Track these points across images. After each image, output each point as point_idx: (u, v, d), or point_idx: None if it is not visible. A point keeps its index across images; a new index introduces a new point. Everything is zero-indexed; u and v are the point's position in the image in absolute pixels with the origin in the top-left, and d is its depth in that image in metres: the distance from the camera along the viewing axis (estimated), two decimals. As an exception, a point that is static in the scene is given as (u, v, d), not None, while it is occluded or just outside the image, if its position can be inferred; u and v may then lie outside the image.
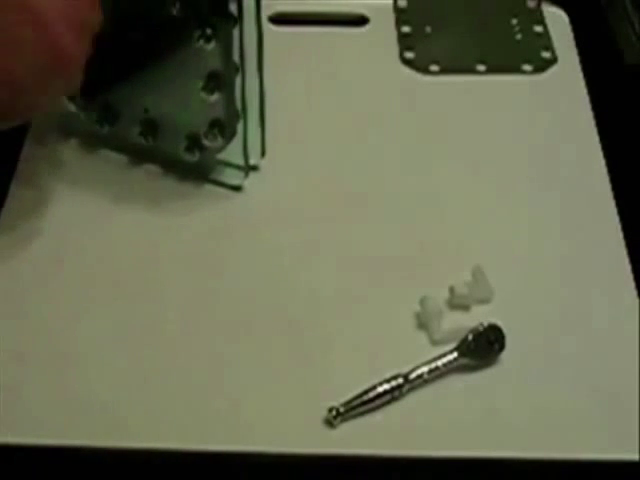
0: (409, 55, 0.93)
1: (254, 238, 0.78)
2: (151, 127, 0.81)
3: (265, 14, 0.76)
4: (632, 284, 0.75)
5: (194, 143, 0.80)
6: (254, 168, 0.82)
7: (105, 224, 0.78)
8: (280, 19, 0.94)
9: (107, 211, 0.79)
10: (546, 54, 0.93)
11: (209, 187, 0.81)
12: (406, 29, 0.96)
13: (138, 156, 0.82)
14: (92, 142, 0.83)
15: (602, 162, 0.84)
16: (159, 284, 0.75)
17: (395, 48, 0.94)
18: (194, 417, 0.67)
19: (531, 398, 0.69)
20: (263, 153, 0.82)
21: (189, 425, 0.67)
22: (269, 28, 0.91)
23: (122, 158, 0.83)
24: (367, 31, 0.96)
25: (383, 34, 0.95)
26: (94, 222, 0.78)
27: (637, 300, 0.74)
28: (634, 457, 0.65)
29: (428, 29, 0.96)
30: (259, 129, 0.80)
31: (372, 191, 0.81)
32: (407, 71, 0.92)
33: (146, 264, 0.76)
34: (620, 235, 0.78)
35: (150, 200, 0.80)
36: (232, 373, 0.70)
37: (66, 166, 0.82)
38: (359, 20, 0.96)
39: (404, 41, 0.95)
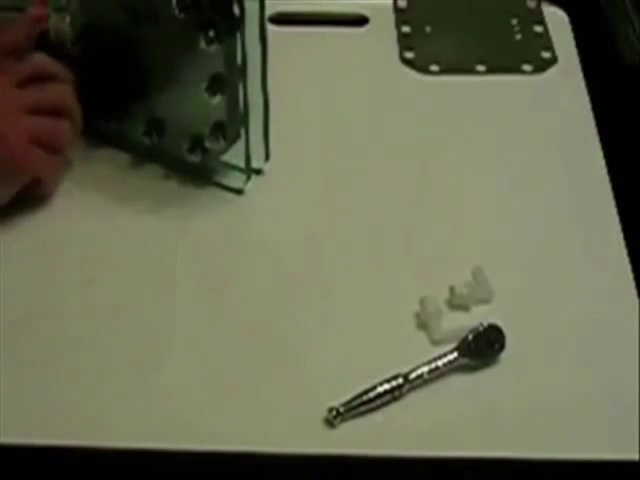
0: (409, 55, 0.93)
1: (256, 241, 0.78)
2: (156, 126, 0.81)
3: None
4: (632, 284, 0.75)
5: (197, 144, 0.80)
6: (258, 172, 0.82)
7: (107, 224, 0.78)
8: (280, 19, 0.94)
9: (109, 212, 0.79)
10: (546, 54, 0.93)
11: (213, 190, 0.81)
12: (406, 29, 0.96)
13: (142, 155, 0.82)
14: (96, 142, 0.83)
15: (602, 162, 0.84)
16: (159, 285, 0.75)
17: (395, 48, 0.94)
18: (194, 417, 0.67)
19: (531, 398, 0.69)
20: (267, 157, 0.82)
21: (189, 425, 0.67)
22: (269, 28, 0.91)
23: (125, 159, 0.83)
24: (367, 31, 0.96)
25: (383, 34, 0.95)
26: (96, 222, 0.78)
27: (637, 300, 0.74)
28: (634, 457, 0.65)
29: (428, 29, 0.96)
30: (263, 132, 0.80)
31: (373, 192, 0.81)
32: (407, 71, 0.92)
33: (147, 265, 0.76)
34: (620, 235, 0.78)
35: (153, 202, 0.80)
36: (232, 373, 0.70)
37: (70, 166, 0.82)
38: (359, 20, 0.96)
39: (404, 41, 0.95)
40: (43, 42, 0.80)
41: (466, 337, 0.70)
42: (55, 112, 0.78)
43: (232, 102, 0.78)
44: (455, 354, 0.70)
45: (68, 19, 0.80)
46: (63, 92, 0.80)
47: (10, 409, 0.67)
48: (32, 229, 0.78)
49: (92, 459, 0.65)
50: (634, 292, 0.75)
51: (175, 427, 0.67)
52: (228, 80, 0.77)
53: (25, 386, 0.69)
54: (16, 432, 0.66)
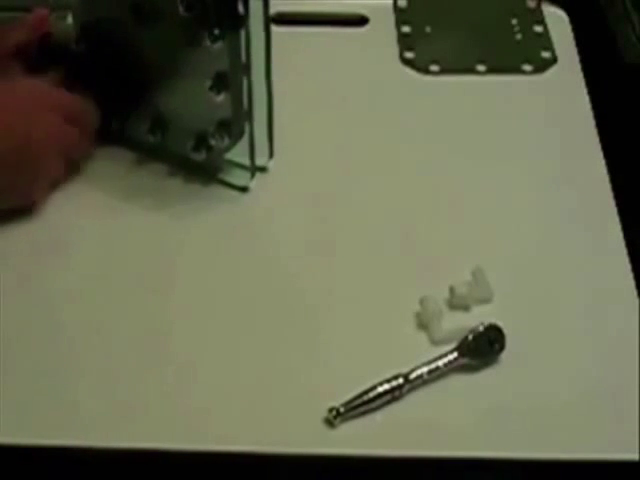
0: (409, 55, 0.93)
1: (259, 238, 0.78)
2: (160, 124, 0.81)
3: (266, 14, 0.77)
4: (632, 284, 0.75)
5: (202, 142, 0.80)
6: (263, 169, 0.82)
7: (111, 222, 0.78)
8: (280, 19, 0.94)
9: (113, 210, 0.79)
10: (546, 54, 0.93)
11: (217, 188, 0.81)
12: (406, 29, 0.96)
13: (147, 153, 0.82)
14: (100, 140, 0.83)
15: (602, 162, 0.84)
16: (162, 282, 0.75)
17: (395, 48, 0.94)
18: (194, 417, 0.67)
19: (531, 398, 0.69)
20: (271, 154, 0.82)
21: (189, 425, 0.67)
22: (269, 28, 0.91)
23: (129, 157, 0.83)
24: (367, 31, 0.96)
25: (383, 34, 0.95)
26: (100, 219, 0.79)
27: (637, 300, 0.74)
28: (634, 457, 0.65)
29: (428, 29, 0.96)
30: (267, 130, 0.80)
31: (374, 191, 0.81)
32: (407, 71, 0.92)
33: (151, 263, 0.76)
34: (620, 234, 0.78)
35: (157, 200, 0.80)
36: (232, 373, 0.70)
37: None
38: (359, 20, 0.97)
39: (404, 41, 0.95)
40: (46, 42, 0.80)
41: (466, 337, 0.70)
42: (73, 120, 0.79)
43: (236, 100, 0.78)
44: (455, 354, 0.70)
45: (71, 18, 0.80)
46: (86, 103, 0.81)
47: (10, 409, 0.67)
48: (35, 226, 0.78)
49: (92, 459, 0.66)
50: (634, 292, 0.75)
51: (175, 427, 0.67)
52: (232, 78, 0.77)
53: (25, 386, 0.69)
54: (16, 432, 0.66)
